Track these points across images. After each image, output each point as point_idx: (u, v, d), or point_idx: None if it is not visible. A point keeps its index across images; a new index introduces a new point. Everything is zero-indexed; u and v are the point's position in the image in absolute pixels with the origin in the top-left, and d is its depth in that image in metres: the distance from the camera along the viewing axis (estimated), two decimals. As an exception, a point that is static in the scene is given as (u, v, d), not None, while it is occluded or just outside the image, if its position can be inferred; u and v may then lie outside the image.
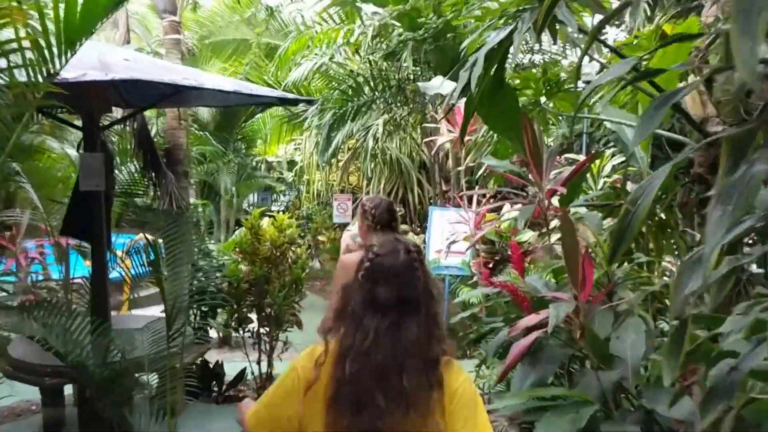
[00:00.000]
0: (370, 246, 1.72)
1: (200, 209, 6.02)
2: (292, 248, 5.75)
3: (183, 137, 5.28)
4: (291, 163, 14.49)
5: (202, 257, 5.85)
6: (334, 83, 8.09)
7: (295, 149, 14.14)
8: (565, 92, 4.09)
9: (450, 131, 5.60)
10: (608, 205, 3.62)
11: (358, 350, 1.54)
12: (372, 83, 8.00)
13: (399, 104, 8.17)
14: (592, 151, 9.43)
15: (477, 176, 7.74)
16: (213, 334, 6.77)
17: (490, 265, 5.82)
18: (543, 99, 4.27)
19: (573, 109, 3.94)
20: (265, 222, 5.94)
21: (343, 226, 10.62)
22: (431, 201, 11.89)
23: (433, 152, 5.35)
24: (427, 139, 7.66)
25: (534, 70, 5.24)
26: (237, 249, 5.61)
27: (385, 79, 8.08)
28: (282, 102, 3.99)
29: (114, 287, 5.69)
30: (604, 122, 5.63)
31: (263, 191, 20.08)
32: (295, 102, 4.12)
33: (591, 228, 3.24)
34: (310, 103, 4.43)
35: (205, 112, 9.39)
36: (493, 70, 2.77)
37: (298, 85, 8.44)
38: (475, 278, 6.01)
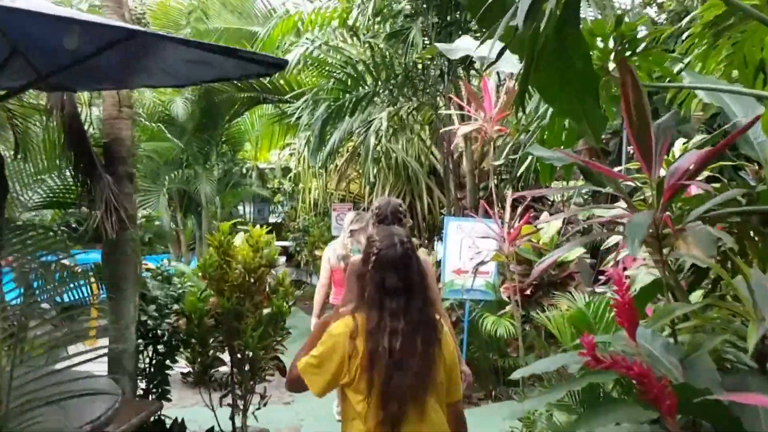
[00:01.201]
0: (373, 240, 2.16)
1: (160, 221, 4.80)
2: (272, 272, 4.54)
3: (126, 129, 4.10)
4: (286, 170, 13.33)
5: (160, 284, 4.66)
6: (328, 69, 6.91)
7: (290, 155, 12.98)
8: (644, 54, 2.91)
9: (469, 118, 4.40)
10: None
11: (387, 328, 2.01)
12: (374, 72, 6.83)
13: (406, 96, 6.99)
14: (629, 152, 8.24)
15: (512, 176, 6.54)
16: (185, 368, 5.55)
17: (528, 292, 4.60)
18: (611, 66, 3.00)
19: (652, 79, 2.82)
20: (239, 239, 4.75)
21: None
22: (442, 211, 10.70)
23: (452, 145, 4.21)
24: (445, 129, 6.47)
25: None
26: (201, 274, 4.41)
27: (389, 67, 6.91)
28: (234, 57, 2.82)
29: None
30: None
31: (260, 202, 18.91)
32: (253, 63, 2.93)
33: (700, 246, 2.05)
34: (279, 68, 3.22)
35: (181, 109, 8.23)
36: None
37: (286, 77, 7.27)
38: (508, 308, 4.80)
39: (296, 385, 2.14)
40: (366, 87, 6.87)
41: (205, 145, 9.44)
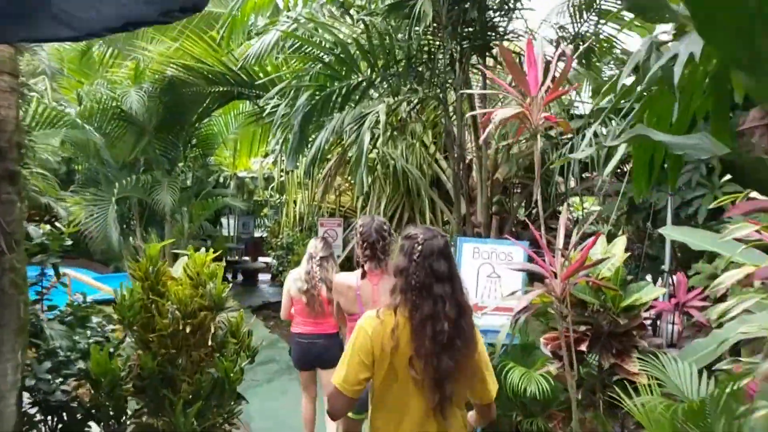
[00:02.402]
0: (412, 235, 2.20)
1: (66, 240, 3.50)
2: (223, 315, 3.26)
3: (7, 108, 2.84)
4: (269, 180, 12.02)
5: (67, 330, 3.36)
6: (313, 52, 5.64)
7: (273, 163, 11.69)
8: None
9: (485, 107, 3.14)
10: None
11: (439, 314, 2.08)
12: (370, 56, 5.58)
13: (410, 85, 5.73)
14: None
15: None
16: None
17: (584, 347, 3.31)
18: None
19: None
20: (178, 267, 3.47)
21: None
22: (445, 227, 9.44)
23: (483, 136, 3.01)
24: (475, 113, 5.22)
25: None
26: (118, 318, 3.12)
27: (389, 51, 5.67)
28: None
29: None
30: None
31: (245, 215, 17.64)
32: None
33: None
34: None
35: (135, 103, 6.91)
36: None
37: (264, 66, 6.00)
38: (553, 367, 3.50)
39: (336, 400, 2.16)
40: (360, 75, 5.62)
41: (170, 147, 8.14)
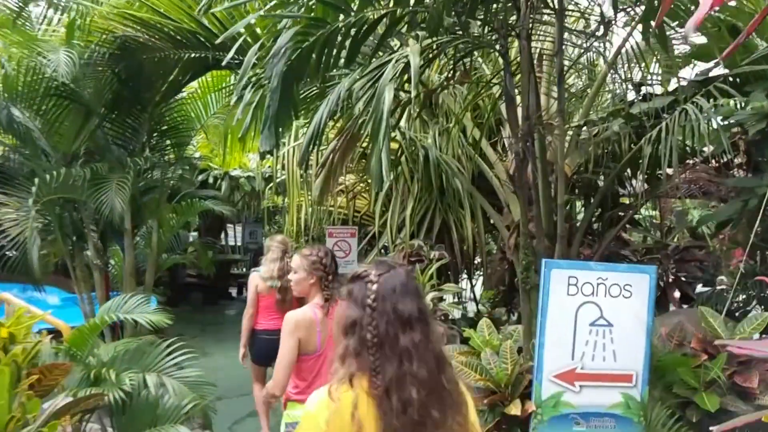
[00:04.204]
0: (362, 274, 1.71)
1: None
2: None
3: None
4: (269, 180, 10.22)
5: None
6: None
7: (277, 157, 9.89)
8: None
9: None
10: None
11: (405, 376, 1.57)
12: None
13: (453, 20, 3.83)
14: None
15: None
16: None
17: None
18: None
19: None
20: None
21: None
22: (491, 236, 7.50)
23: (702, 13, 1.45)
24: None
25: None
26: None
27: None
28: None
29: None
30: None
31: (252, 223, 16.51)
32: None
33: None
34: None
35: (63, 66, 4.96)
36: None
37: (251, 24, 4.12)
38: None
39: None
40: (379, 7, 3.73)
41: (129, 133, 6.29)
